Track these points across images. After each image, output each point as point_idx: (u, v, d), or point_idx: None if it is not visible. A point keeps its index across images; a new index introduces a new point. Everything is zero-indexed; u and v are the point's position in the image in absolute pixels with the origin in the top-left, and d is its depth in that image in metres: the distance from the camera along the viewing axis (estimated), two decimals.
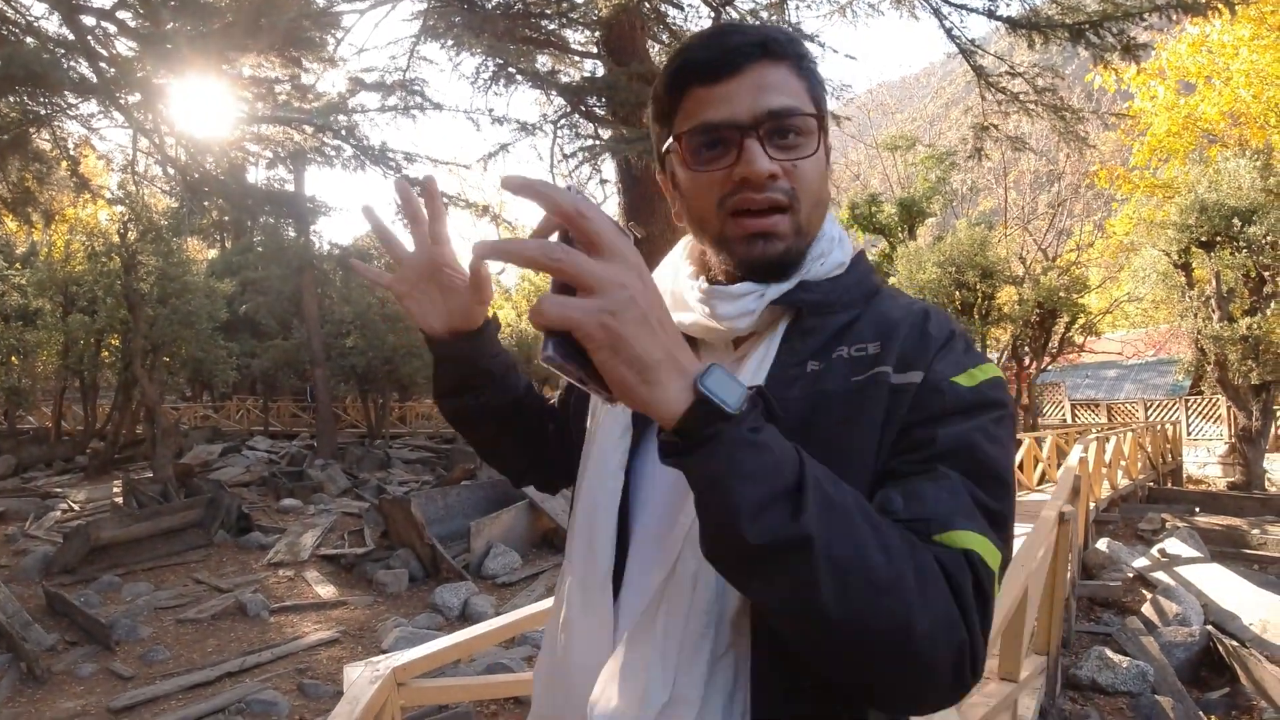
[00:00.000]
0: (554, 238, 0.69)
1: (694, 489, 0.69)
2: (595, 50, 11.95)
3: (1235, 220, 14.44)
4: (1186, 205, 15.23)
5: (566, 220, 0.66)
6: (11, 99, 8.88)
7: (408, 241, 1.08)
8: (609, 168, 12.10)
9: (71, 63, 8.41)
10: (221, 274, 24.19)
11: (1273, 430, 17.27)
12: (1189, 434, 21.11)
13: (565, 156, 12.16)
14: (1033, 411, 19.54)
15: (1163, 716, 5.73)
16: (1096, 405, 25.22)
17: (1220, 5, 9.45)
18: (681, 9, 12.28)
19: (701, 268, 1.00)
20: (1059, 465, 12.64)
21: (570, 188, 0.68)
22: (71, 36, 8.58)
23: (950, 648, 0.69)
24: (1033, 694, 4.57)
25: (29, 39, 8.58)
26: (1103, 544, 9.67)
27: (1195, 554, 9.19)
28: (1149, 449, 16.14)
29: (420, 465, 20.54)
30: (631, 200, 11.06)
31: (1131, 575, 8.88)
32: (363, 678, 2.53)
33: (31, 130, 9.99)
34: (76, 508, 13.44)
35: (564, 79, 12.20)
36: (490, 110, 11.90)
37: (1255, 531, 11.51)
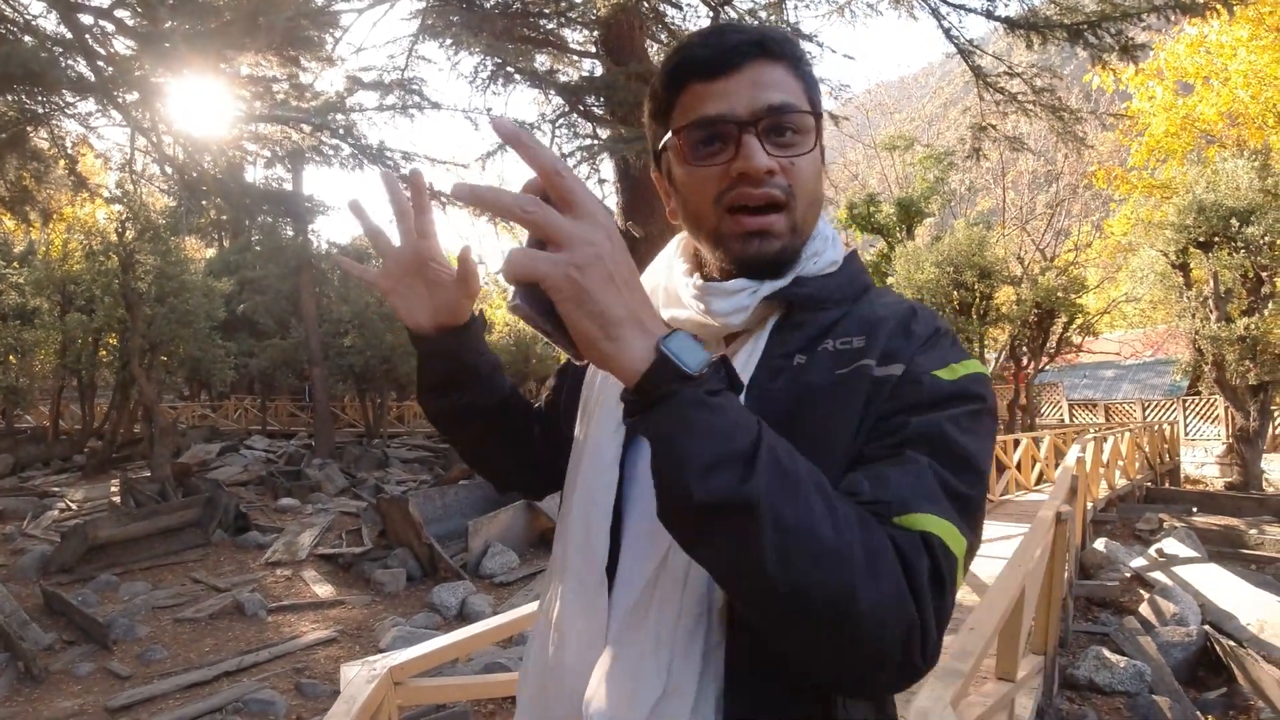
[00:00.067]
0: None
1: (651, 447, 0.71)
2: (594, 50, 11.95)
3: (1233, 221, 14.46)
4: (1184, 206, 15.25)
5: (544, 175, 0.68)
6: (9, 97, 8.87)
7: (395, 237, 1.08)
8: (607, 167, 12.10)
9: (69, 61, 8.40)
10: (219, 273, 24.18)
11: (1270, 430, 17.31)
12: (1186, 434, 21.13)
13: (563, 156, 12.15)
14: (1030, 411, 19.56)
15: (1160, 716, 5.73)
16: (1094, 405, 25.24)
17: (1218, 6, 9.46)
18: (680, 9, 12.29)
19: (695, 265, 1.01)
20: (1057, 465, 12.65)
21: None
22: (69, 35, 8.57)
23: (898, 626, 0.69)
24: (1030, 694, 4.57)
25: (27, 37, 8.57)
26: (1100, 544, 9.68)
27: (1193, 554, 9.20)
28: (1147, 449, 16.15)
29: (418, 465, 20.53)
30: (629, 200, 11.06)
31: (1129, 575, 8.88)
32: (359, 677, 2.53)
33: (29, 129, 9.98)
34: (74, 507, 13.43)
35: (562, 78, 12.20)
36: (488, 109, 11.87)
37: (1253, 531, 11.53)
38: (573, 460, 1.03)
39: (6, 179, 11.02)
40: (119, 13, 8.62)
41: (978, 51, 11.75)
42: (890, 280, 18.63)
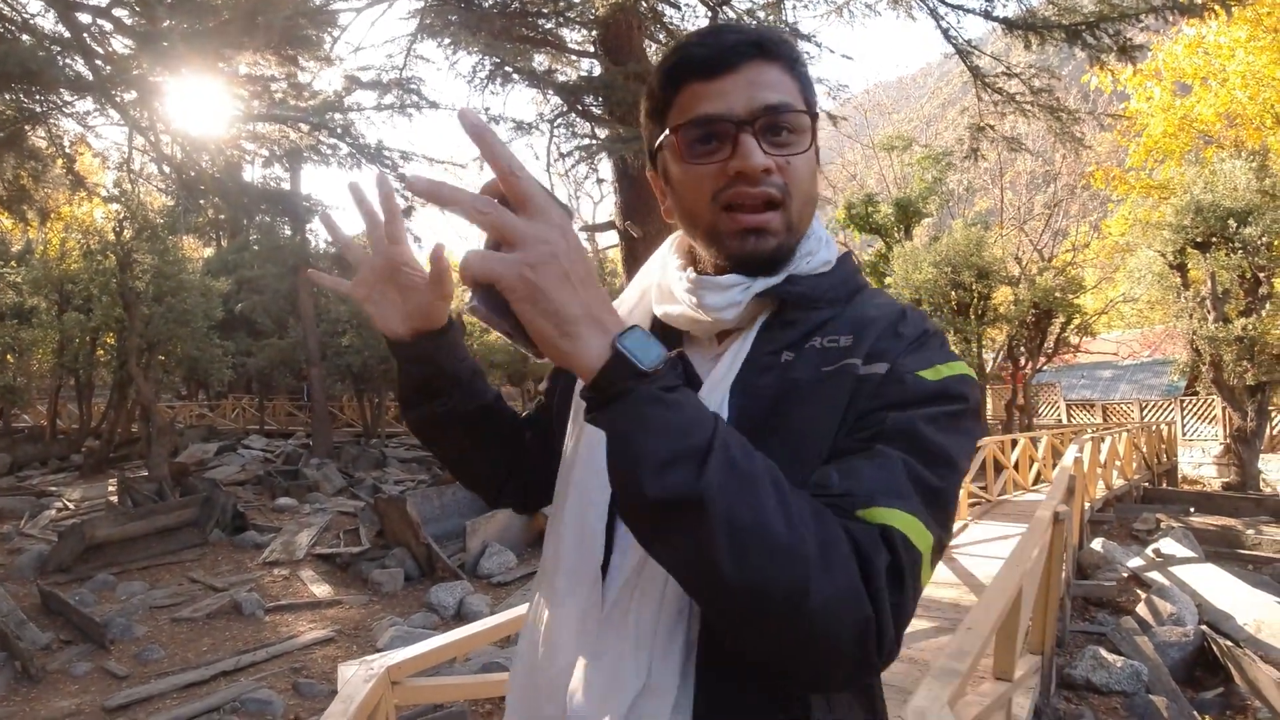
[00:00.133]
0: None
1: (607, 444, 0.72)
2: (592, 50, 11.93)
3: (1231, 221, 14.49)
4: (1182, 206, 15.27)
5: (500, 174, 0.70)
6: (7, 96, 8.85)
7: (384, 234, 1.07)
8: (605, 167, 12.09)
9: (67, 60, 8.40)
10: (217, 272, 24.16)
11: (1267, 431, 17.34)
12: (1184, 434, 21.16)
13: (562, 155, 12.15)
14: (1028, 412, 19.57)
15: (1157, 716, 5.74)
16: (1092, 405, 25.25)
17: (1216, 7, 9.47)
18: (678, 8, 12.28)
19: (690, 261, 1.01)
20: (1054, 465, 12.66)
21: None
22: (67, 34, 8.57)
23: (852, 622, 0.69)
24: (1027, 693, 4.58)
25: (25, 36, 8.57)
26: (1098, 544, 9.68)
27: (1190, 554, 9.21)
28: (1144, 449, 16.17)
29: (416, 464, 20.51)
30: (628, 199, 11.04)
31: (1126, 575, 8.89)
32: (357, 676, 2.53)
33: (27, 128, 9.97)
34: (71, 506, 13.42)
35: (561, 78, 12.19)
36: (487, 109, 11.86)
37: (1250, 532, 11.54)
38: (566, 460, 1.02)
39: (4, 178, 11.01)
40: (117, 11, 8.61)
41: (976, 52, 11.75)
42: (888, 280, 18.62)
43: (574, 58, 12.64)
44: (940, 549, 0.79)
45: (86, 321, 17.59)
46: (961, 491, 7.66)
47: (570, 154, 12.11)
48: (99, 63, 8.53)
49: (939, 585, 7.18)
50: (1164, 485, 16.98)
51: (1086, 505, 10.24)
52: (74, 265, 17.99)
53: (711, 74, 0.90)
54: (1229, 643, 6.97)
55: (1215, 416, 20.45)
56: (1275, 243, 14.37)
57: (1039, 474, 13.45)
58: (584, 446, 0.99)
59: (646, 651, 0.83)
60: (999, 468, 12.10)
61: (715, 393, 0.91)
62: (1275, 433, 19.43)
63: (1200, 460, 19.66)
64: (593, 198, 26.04)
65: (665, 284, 1.00)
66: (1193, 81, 22.97)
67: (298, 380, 28.93)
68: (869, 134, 35.15)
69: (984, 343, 17.85)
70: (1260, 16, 19.76)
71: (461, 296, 0.76)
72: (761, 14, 11.34)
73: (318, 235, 22.77)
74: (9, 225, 16.16)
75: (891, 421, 0.81)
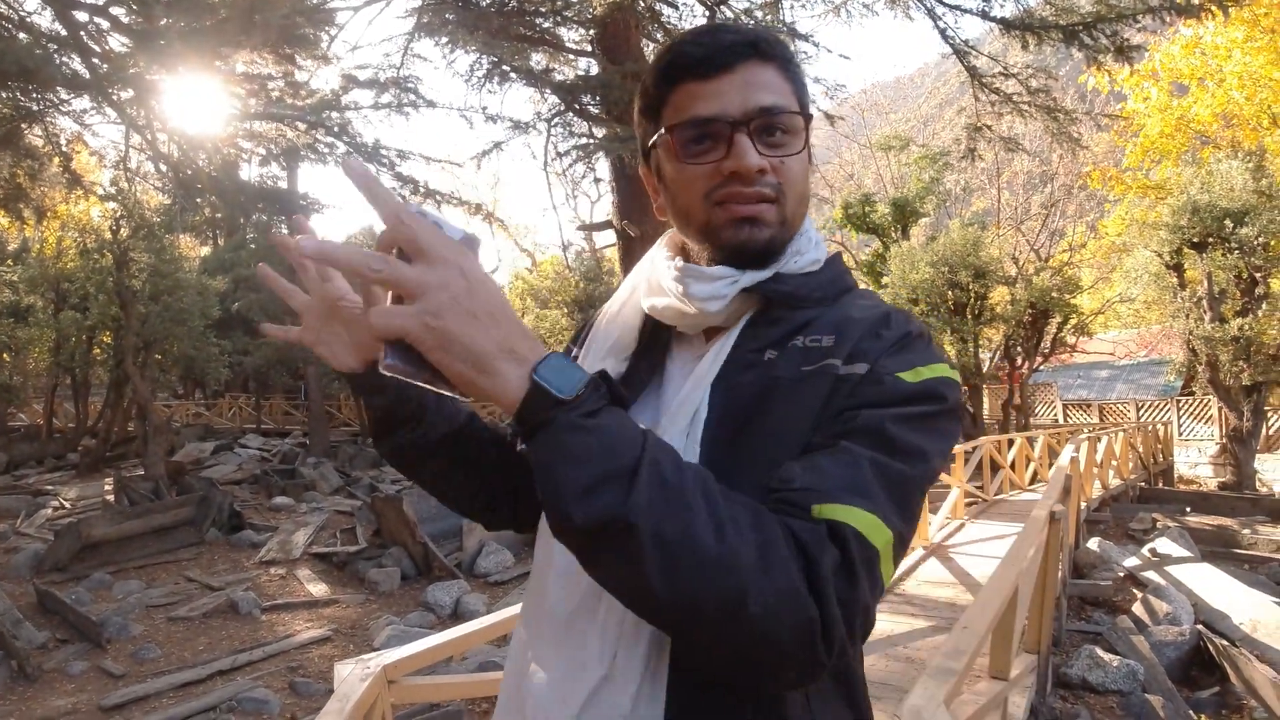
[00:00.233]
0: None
1: (535, 473, 0.72)
2: (589, 49, 11.93)
3: (1227, 221, 14.51)
4: (1179, 206, 15.30)
5: (387, 222, 0.68)
6: (4, 94, 8.84)
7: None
8: (603, 166, 12.10)
9: (64, 58, 8.39)
10: (214, 271, 24.11)
11: (1264, 431, 17.37)
12: (1180, 434, 21.20)
13: (559, 155, 12.15)
14: (1025, 411, 19.59)
15: (1153, 715, 5.75)
16: (1088, 405, 25.30)
17: (1213, 7, 9.48)
18: (676, 7, 12.27)
19: (682, 258, 1.01)
20: (1050, 465, 12.68)
21: (409, 203, 0.72)
22: (64, 32, 8.55)
23: (794, 625, 0.69)
24: (1023, 692, 4.59)
25: (21, 34, 8.55)
26: (1094, 543, 9.70)
27: (1186, 554, 9.23)
28: (1140, 449, 16.19)
29: None
30: (625, 198, 11.03)
31: (1122, 574, 8.91)
32: (353, 675, 2.53)
33: (23, 126, 9.95)
34: (68, 505, 13.40)
35: (558, 77, 12.18)
36: (484, 108, 11.86)
37: (1246, 531, 11.57)
38: None
39: (1, 176, 10.99)
40: (114, 10, 8.60)
41: (973, 52, 11.76)
42: (885, 280, 18.63)
43: (571, 57, 12.64)
44: (902, 544, 0.79)
45: (83, 320, 17.57)
46: (958, 491, 7.65)
47: (568, 153, 12.11)
48: (96, 61, 8.51)
49: (935, 584, 7.19)
50: (1160, 485, 17.01)
51: (1083, 505, 10.25)
52: (70, 264, 17.96)
53: (707, 74, 0.90)
54: (1225, 642, 6.98)
55: (1211, 416, 20.49)
56: (1272, 243, 14.40)
57: (1035, 474, 13.47)
58: None
59: (613, 643, 0.84)
60: (995, 467, 12.11)
61: (698, 389, 0.91)
62: (1271, 432, 19.48)
63: (1196, 460, 19.70)
64: (590, 197, 25.97)
65: (654, 278, 1.00)
66: (1190, 82, 23.01)
67: (294, 379, 28.90)
68: (866, 134, 35.13)
69: (981, 342, 17.87)
70: (1257, 17, 19.80)
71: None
72: (759, 13, 11.35)
73: (315, 234, 22.73)
74: (5, 224, 16.15)
75: (862, 420, 0.81)
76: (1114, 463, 13.62)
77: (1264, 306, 14.64)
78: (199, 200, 11.73)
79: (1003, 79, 12.03)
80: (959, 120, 16.67)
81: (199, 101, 9.65)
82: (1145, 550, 9.56)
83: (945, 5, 10.97)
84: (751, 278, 0.92)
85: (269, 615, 8.55)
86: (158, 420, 15.35)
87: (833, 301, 0.96)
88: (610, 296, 1.10)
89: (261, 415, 28.75)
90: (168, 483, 13.57)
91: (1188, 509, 13.67)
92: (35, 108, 9.58)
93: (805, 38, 11.07)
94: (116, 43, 9.15)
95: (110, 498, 13.28)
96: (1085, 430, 17.26)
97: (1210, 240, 14.97)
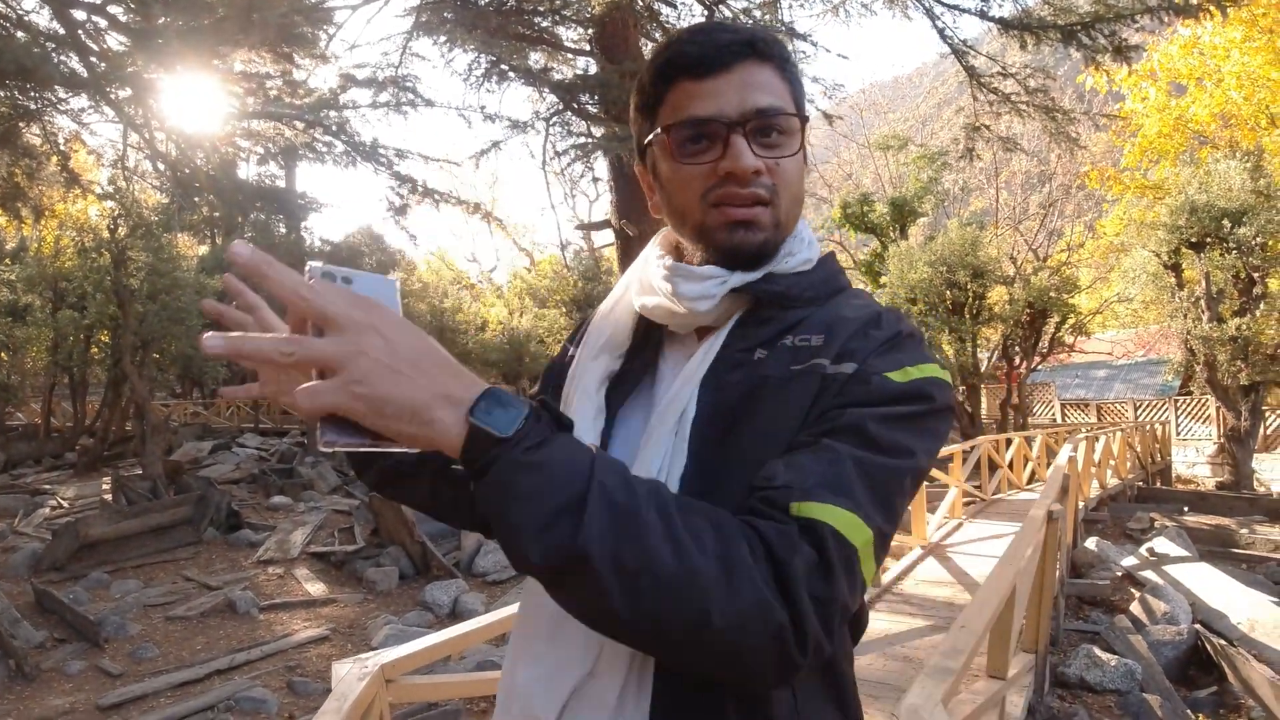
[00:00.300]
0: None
1: (487, 515, 0.71)
2: (588, 48, 11.94)
3: (1225, 221, 14.54)
4: (1177, 206, 15.32)
5: (288, 302, 0.66)
6: (2, 93, 8.84)
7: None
8: (601, 166, 12.11)
9: (62, 57, 8.38)
10: (212, 270, 24.06)
11: (1261, 430, 17.39)
12: (1178, 434, 21.22)
13: (557, 154, 12.16)
14: (1023, 411, 19.61)
15: (1150, 714, 5.75)
16: (1086, 405, 25.33)
17: (1211, 7, 9.50)
18: (674, 7, 12.29)
19: (676, 256, 1.02)
20: (1048, 464, 12.69)
21: (311, 270, 0.70)
22: (62, 31, 8.54)
23: (763, 633, 0.68)
24: (1021, 691, 4.59)
25: (19, 33, 8.55)
26: (1091, 543, 9.71)
27: (1184, 553, 9.23)
28: (1138, 449, 16.21)
29: None
30: (624, 198, 11.05)
31: (1120, 574, 8.92)
32: (351, 675, 2.53)
33: (21, 125, 9.95)
34: (65, 504, 13.39)
35: (556, 76, 12.19)
36: (482, 107, 11.89)
37: (1243, 531, 11.59)
38: None
39: None
40: (112, 8, 8.60)
41: (972, 52, 11.77)
42: (883, 280, 18.65)
43: (570, 56, 12.65)
44: (884, 542, 0.79)
45: (81, 319, 17.52)
46: (956, 490, 7.64)
47: (566, 152, 12.13)
48: (94, 60, 8.51)
49: (933, 584, 7.20)
50: (1158, 484, 17.03)
51: (1081, 504, 10.26)
52: (68, 263, 17.92)
53: (703, 73, 0.90)
54: (1223, 641, 6.99)
55: (1209, 416, 20.52)
56: (1269, 243, 14.43)
57: (1033, 473, 13.48)
58: None
59: (598, 641, 0.84)
60: (993, 467, 12.12)
61: (686, 387, 0.91)
62: (1269, 432, 19.51)
63: (1194, 460, 19.73)
64: (588, 196, 26.00)
65: (646, 277, 1.00)
66: (1188, 82, 23.05)
67: None
68: (865, 133, 35.14)
69: (979, 342, 17.89)
70: (1255, 17, 19.82)
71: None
72: (758, 13, 11.36)
73: (313, 233, 22.76)
74: (3, 222, 16.13)
75: (846, 418, 0.81)
76: (1112, 462, 13.64)
77: (1262, 306, 14.67)
78: (197, 199, 11.73)
79: (1001, 79, 12.05)
80: (957, 120, 16.67)
81: (197, 100, 9.66)
82: (1143, 550, 9.57)
83: (944, 5, 10.98)
84: (741, 278, 0.92)
85: (267, 614, 8.54)
86: (155, 419, 15.33)
87: (825, 301, 0.96)
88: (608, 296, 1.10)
89: (259, 414, 28.71)
90: (165, 482, 13.56)
91: (1185, 509, 13.69)
92: (33, 106, 9.58)
93: (804, 37, 11.08)
94: (114, 41, 9.15)
95: (108, 497, 13.26)
96: (1083, 430, 17.28)
97: (1208, 240, 14.99)
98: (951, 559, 7.97)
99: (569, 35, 12.41)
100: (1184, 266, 15.94)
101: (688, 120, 0.90)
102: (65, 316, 17.65)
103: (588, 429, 0.96)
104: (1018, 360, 18.49)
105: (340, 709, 2.25)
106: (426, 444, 0.68)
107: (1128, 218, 20.99)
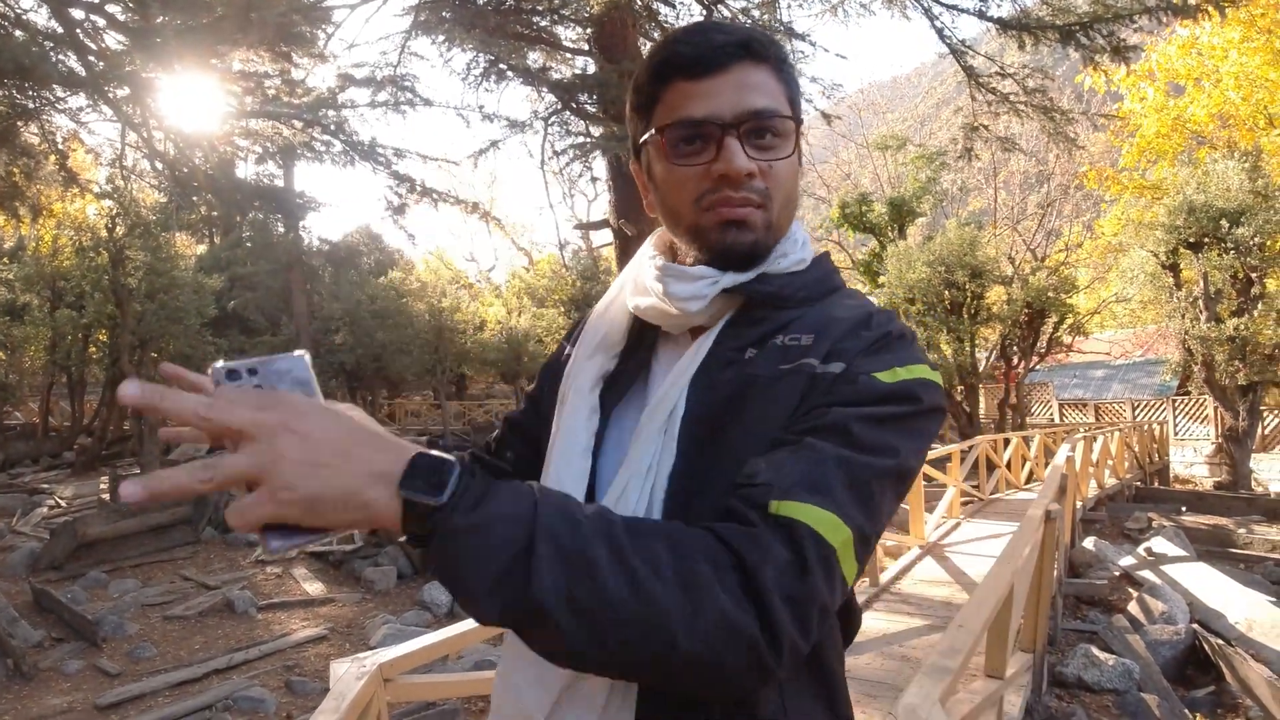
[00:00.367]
0: None
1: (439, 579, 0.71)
2: (586, 47, 11.94)
3: (1223, 221, 14.54)
4: (1175, 206, 15.33)
5: (194, 425, 0.65)
6: (0, 92, 8.83)
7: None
8: (600, 165, 12.11)
9: (60, 56, 8.37)
10: (210, 269, 24.05)
11: (1259, 431, 17.41)
12: (1176, 434, 21.24)
13: (556, 153, 12.16)
14: (1021, 411, 19.61)
15: (1148, 714, 5.75)
16: (1084, 405, 25.34)
17: (1210, 8, 9.50)
18: (673, 6, 12.29)
19: (670, 256, 1.02)
20: (1046, 464, 12.70)
21: (215, 372, 0.69)
22: (60, 30, 8.53)
23: (731, 647, 0.68)
24: (1019, 691, 4.59)
25: (17, 32, 8.53)
26: (1089, 542, 9.71)
27: (1181, 553, 9.24)
28: (1136, 448, 16.22)
29: None
30: (622, 197, 11.05)
31: (1118, 574, 8.92)
32: (349, 674, 2.53)
33: (19, 124, 9.93)
34: (63, 504, 13.37)
35: (555, 76, 12.19)
36: (481, 106, 11.88)
37: (1241, 531, 11.60)
38: (548, 449, 1.02)
39: None
40: (110, 7, 8.58)
41: (970, 52, 11.78)
42: (882, 279, 18.65)
43: (568, 55, 12.65)
44: (865, 542, 0.78)
45: (79, 318, 17.51)
46: (954, 490, 7.64)
47: (564, 152, 12.13)
48: (92, 59, 8.50)
49: (931, 583, 7.20)
50: (1156, 484, 17.05)
51: (1078, 504, 10.26)
52: (66, 262, 17.90)
53: (699, 74, 0.90)
54: (1220, 641, 6.99)
55: (1207, 416, 20.54)
56: (1267, 243, 14.44)
57: (1031, 473, 13.49)
58: (563, 433, 0.99)
59: None
60: (991, 466, 12.13)
61: (675, 386, 0.91)
62: (1267, 432, 19.53)
63: (1192, 460, 19.74)
64: (587, 195, 26.04)
65: (640, 278, 1.00)
66: (1186, 82, 23.06)
67: None
68: (863, 133, 35.13)
69: (977, 342, 17.89)
70: (1254, 18, 19.84)
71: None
72: (756, 12, 11.36)
73: (311, 232, 22.76)
74: (1, 222, 16.09)
75: (830, 417, 0.81)
76: (1110, 462, 13.65)
77: (1259, 306, 14.67)
78: (195, 198, 11.74)
79: (999, 79, 12.06)
80: (956, 120, 16.67)
81: (195, 99, 9.64)
82: (1141, 549, 9.57)
83: (942, 5, 10.99)
84: (733, 278, 0.92)
85: (265, 614, 8.54)
86: (154, 419, 15.31)
87: (818, 302, 0.96)
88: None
89: None
90: None
91: (1183, 508, 13.69)
92: (31, 105, 9.56)
93: (802, 37, 11.09)
94: (113, 40, 9.14)
95: (106, 496, 13.26)
96: (1081, 430, 17.28)
97: (1206, 240, 15.00)
98: (949, 558, 7.97)
99: (568, 35, 12.41)
100: (1182, 266, 15.94)
101: (682, 121, 0.90)
102: (63, 315, 17.63)
103: (582, 428, 0.97)
104: (1016, 360, 18.49)
105: (338, 708, 2.25)
106: (367, 526, 0.67)
107: (1126, 218, 21.00)
